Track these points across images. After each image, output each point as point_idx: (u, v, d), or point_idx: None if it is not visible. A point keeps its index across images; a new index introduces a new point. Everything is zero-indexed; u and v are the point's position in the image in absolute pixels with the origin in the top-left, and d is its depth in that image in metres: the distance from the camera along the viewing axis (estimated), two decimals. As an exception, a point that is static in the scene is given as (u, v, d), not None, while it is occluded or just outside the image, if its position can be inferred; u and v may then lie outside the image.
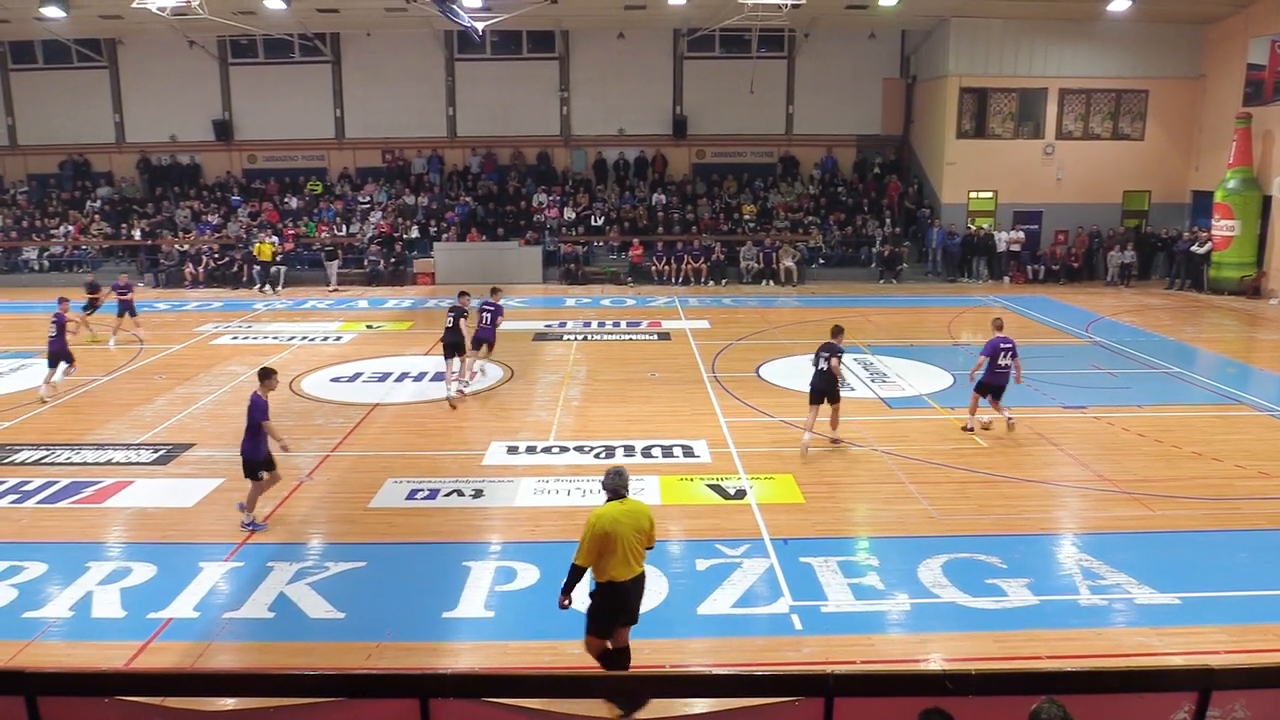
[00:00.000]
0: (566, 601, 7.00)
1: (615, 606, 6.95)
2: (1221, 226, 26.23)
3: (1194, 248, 26.99)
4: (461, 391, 15.83)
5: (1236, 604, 8.71)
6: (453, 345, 15.59)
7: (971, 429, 13.67)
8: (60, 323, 15.81)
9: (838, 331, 13.16)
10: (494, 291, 17.16)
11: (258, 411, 10.20)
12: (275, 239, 28.42)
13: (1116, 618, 8.48)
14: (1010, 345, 13.42)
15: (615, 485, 7.08)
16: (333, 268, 28.22)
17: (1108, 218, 29.77)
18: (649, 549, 7.12)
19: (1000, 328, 13.69)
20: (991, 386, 13.49)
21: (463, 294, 16.48)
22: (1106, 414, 14.68)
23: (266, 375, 10.53)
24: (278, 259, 27.90)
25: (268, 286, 27.31)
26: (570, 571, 6.92)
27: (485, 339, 16.50)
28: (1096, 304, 24.95)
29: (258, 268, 27.70)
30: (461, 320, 15.66)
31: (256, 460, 10.30)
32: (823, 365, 12.70)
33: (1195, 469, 12.28)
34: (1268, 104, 25.75)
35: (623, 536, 6.81)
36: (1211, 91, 28.41)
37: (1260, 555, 9.72)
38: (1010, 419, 13.54)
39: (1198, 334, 21.42)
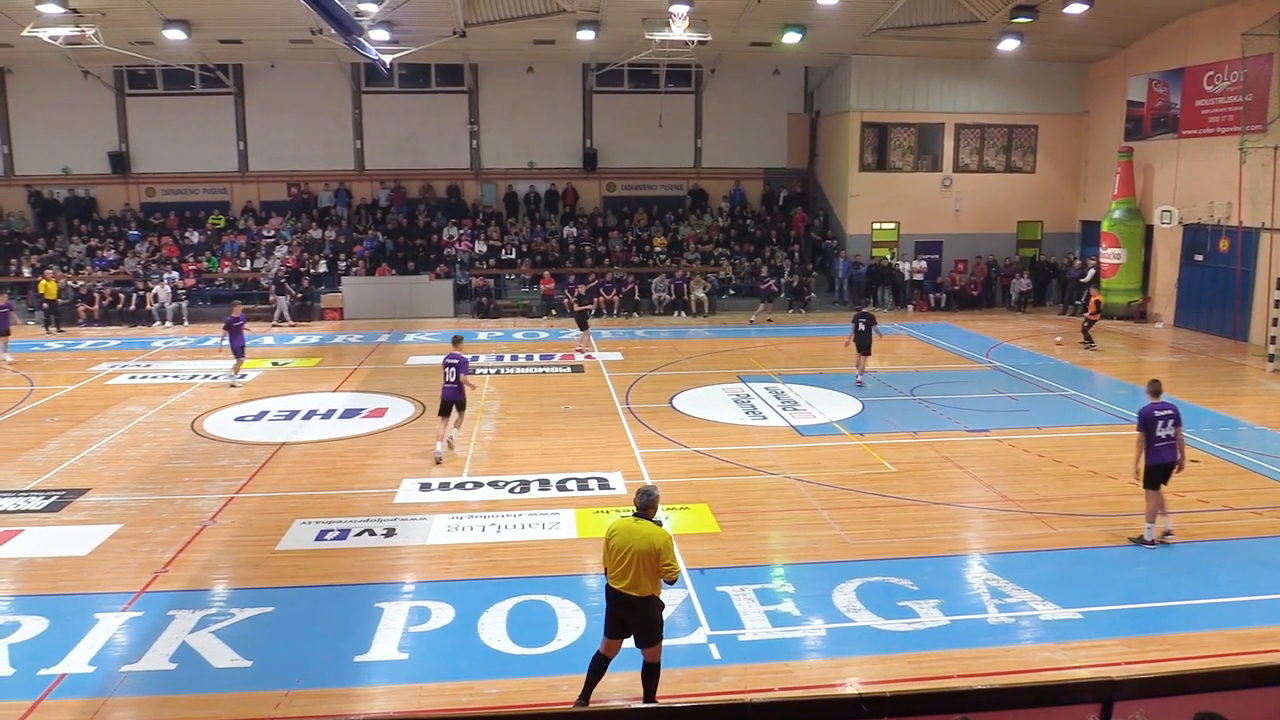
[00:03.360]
0: None
1: (609, 608, 7.36)
2: (1109, 254, 27.49)
3: (1081, 279, 28.19)
4: (589, 355, 21.85)
5: (1134, 616, 9.04)
6: (582, 320, 22.52)
7: (1153, 541, 10.70)
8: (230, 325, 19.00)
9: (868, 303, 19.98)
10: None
11: (466, 364, 14.14)
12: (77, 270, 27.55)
13: (1023, 634, 8.72)
14: (1170, 411, 10.68)
15: (639, 503, 7.37)
16: (283, 303, 27.45)
17: (1003, 247, 30.96)
18: (667, 581, 7.23)
19: (1156, 393, 10.88)
20: (1159, 469, 10.61)
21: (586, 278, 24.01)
22: (1008, 436, 15.17)
23: (459, 338, 14.54)
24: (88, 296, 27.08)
25: (52, 327, 26.05)
26: None
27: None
28: (995, 330, 25.82)
29: (46, 305, 26.34)
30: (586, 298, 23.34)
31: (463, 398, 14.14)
32: (861, 327, 18.36)
33: (1092, 487, 12.76)
34: (1147, 138, 27.18)
35: (618, 549, 7.19)
36: (1095, 127, 29.87)
37: (1154, 568, 10.12)
38: (1168, 530, 10.84)
39: (1090, 357, 22.32)
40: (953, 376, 19.84)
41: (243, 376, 19.43)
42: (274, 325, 26.90)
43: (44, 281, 26.66)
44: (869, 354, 18.78)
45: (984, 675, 7.86)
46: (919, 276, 29.92)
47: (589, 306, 22.77)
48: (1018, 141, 30.68)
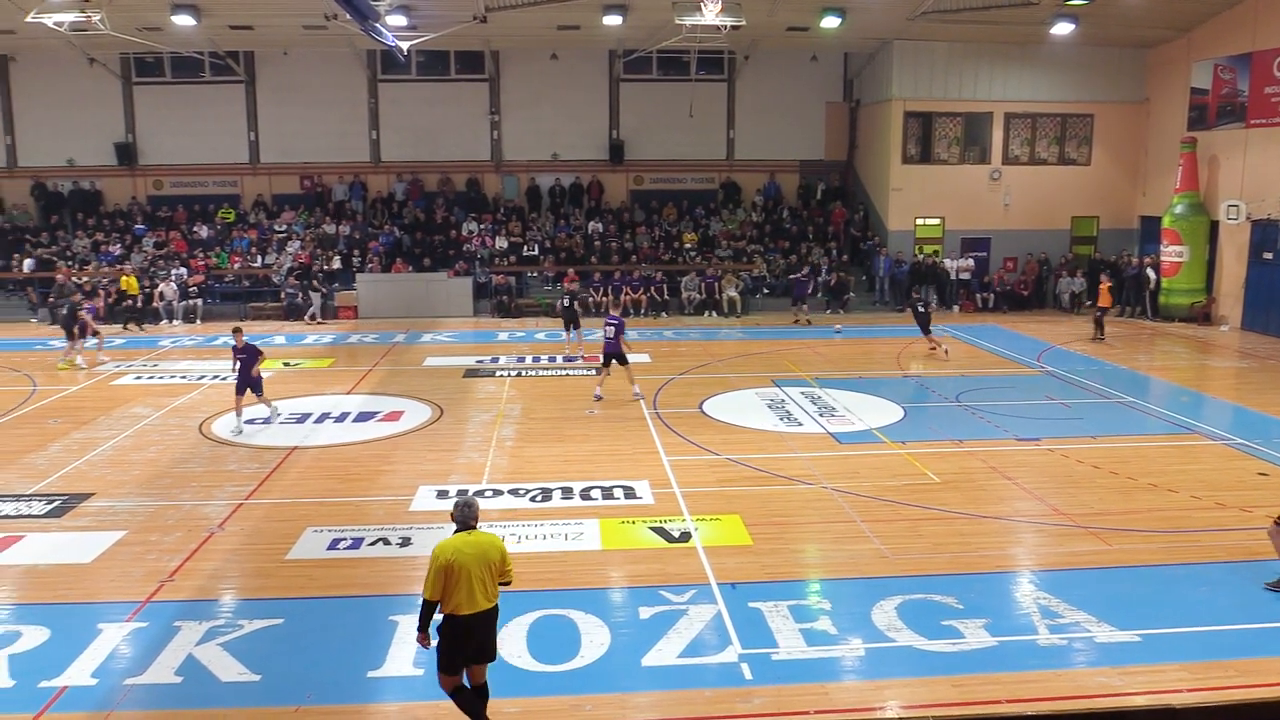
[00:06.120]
0: (424, 639, 7.26)
1: (459, 642, 7.14)
2: (1170, 252, 27.17)
3: (1147, 285, 27.74)
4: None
5: (1197, 640, 8.91)
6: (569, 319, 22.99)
7: None
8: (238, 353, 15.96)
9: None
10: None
11: (623, 325, 18.04)
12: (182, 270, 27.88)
13: (1077, 657, 8.61)
14: None
15: (462, 516, 7.32)
16: (318, 299, 27.84)
17: (1056, 244, 30.67)
18: (504, 584, 7.32)
19: None
20: None
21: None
22: (1060, 446, 15.01)
23: (619, 302, 19.25)
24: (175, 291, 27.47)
25: (132, 324, 26.55)
26: (421, 606, 7.19)
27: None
28: (1047, 332, 25.58)
29: (129, 302, 26.99)
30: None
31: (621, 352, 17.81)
32: (920, 308, 21.67)
33: (1151, 501, 12.60)
34: (1212, 128, 26.84)
35: (465, 568, 7.03)
36: (1156, 115, 29.54)
37: (1219, 589, 9.97)
38: None
39: (1150, 362, 22.07)
40: (1001, 381, 19.67)
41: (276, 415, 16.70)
42: (307, 322, 27.34)
43: (125, 278, 27.38)
44: (929, 331, 21.78)
45: (1033, 700, 7.76)
46: (965, 275, 29.70)
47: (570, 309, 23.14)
48: (1072, 131, 30.37)
